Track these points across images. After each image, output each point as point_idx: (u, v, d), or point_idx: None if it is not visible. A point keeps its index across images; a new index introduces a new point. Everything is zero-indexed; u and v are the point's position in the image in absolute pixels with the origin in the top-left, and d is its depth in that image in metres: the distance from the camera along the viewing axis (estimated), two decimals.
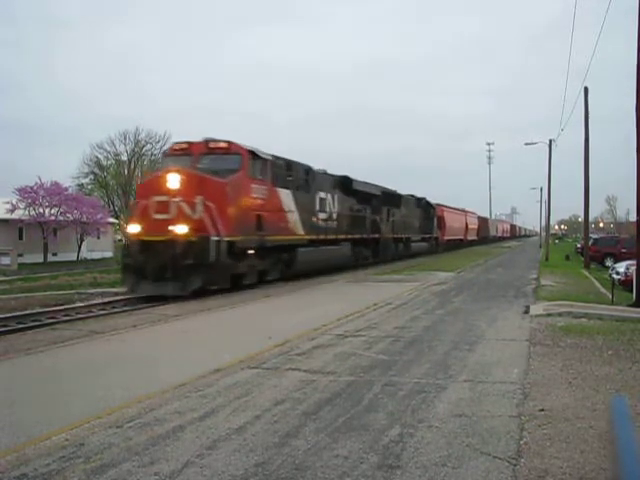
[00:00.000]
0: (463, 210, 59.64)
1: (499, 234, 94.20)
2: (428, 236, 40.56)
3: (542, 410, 5.25)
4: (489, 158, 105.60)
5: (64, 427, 4.77)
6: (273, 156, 17.94)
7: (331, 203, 22.59)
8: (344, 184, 24.41)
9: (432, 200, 44.66)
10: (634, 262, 14.24)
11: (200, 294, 14.36)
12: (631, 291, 14.40)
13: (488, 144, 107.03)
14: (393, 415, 5.10)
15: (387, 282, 19.35)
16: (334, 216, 22.82)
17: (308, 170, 20.72)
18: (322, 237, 21.28)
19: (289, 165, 19.26)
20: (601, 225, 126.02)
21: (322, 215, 21.62)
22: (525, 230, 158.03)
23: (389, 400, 5.57)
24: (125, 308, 13.22)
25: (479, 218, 70.79)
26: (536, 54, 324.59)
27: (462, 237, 56.66)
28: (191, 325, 10.50)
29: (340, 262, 23.35)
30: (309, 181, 20.60)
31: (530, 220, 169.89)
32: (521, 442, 4.45)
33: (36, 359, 7.59)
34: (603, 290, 16.90)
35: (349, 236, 24.16)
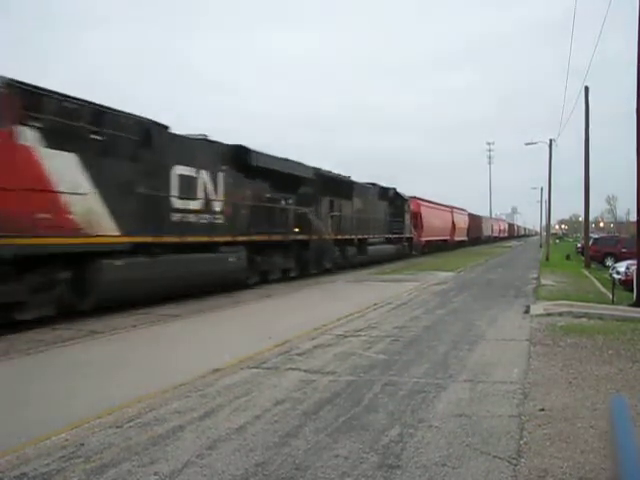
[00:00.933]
0: (449, 206, 51.62)
1: (495, 234, 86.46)
2: (397, 236, 32.10)
3: (542, 410, 5.24)
4: (489, 158, 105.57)
5: (64, 427, 4.77)
6: (17, 83, 9.45)
7: (210, 186, 14.33)
8: (240, 159, 15.96)
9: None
10: (634, 262, 14.23)
11: (199, 294, 14.31)
12: (631, 291, 14.38)
13: (488, 144, 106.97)
14: (393, 415, 5.10)
15: (387, 282, 19.35)
16: (217, 206, 14.67)
17: (149, 128, 12.43)
18: (176, 239, 12.99)
19: (92, 112, 10.90)
20: (601, 225, 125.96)
21: (184, 204, 13.42)
22: (525, 230, 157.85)
23: (389, 400, 5.56)
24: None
25: (470, 216, 62.26)
26: (538, 53, 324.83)
27: (447, 237, 48.65)
28: (191, 325, 10.50)
29: (214, 279, 14.67)
30: (152, 146, 12.41)
31: (530, 220, 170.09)
32: (521, 442, 4.45)
33: (36, 359, 7.58)
34: (603, 290, 16.89)
35: (244, 237, 15.71)
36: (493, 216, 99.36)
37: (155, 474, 3.84)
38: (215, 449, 4.29)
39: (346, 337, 8.97)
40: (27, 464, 4.03)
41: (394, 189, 32.55)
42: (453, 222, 51.29)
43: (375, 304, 12.96)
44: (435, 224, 43.39)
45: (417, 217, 37.95)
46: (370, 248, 27.03)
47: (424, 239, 39.54)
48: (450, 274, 22.47)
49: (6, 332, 9.09)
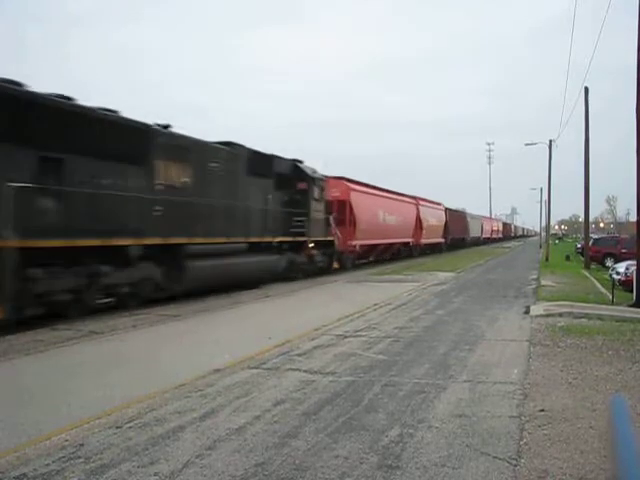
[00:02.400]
0: (413, 197, 37.85)
1: (485, 235, 72.59)
2: (292, 240, 18.93)
3: (542, 410, 5.25)
4: (489, 158, 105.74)
5: (64, 427, 4.77)
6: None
7: None
8: None
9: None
10: (634, 262, 14.23)
11: (200, 294, 14.32)
12: (631, 291, 14.38)
13: (488, 144, 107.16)
14: (393, 415, 5.10)
15: (387, 282, 19.35)
16: None
17: None
18: None
19: None
20: (601, 225, 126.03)
21: None
22: (524, 230, 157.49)
23: (389, 400, 5.56)
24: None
25: (449, 212, 48.26)
26: (539, 53, 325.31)
27: (409, 239, 34.76)
28: (191, 325, 10.50)
29: None
30: None
31: (530, 220, 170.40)
32: (521, 442, 4.45)
33: (36, 359, 7.58)
34: (603, 290, 16.89)
35: None
36: (493, 216, 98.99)
37: (155, 474, 3.84)
38: (215, 449, 4.29)
39: (346, 337, 8.97)
40: (27, 464, 4.03)
41: (292, 161, 19.76)
42: (419, 218, 37.29)
43: (375, 304, 12.96)
44: (382, 220, 28.87)
45: (345, 209, 24.22)
46: (200, 265, 13.60)
47: (358, 243, 25.33)
48: (450, 274, 22.47)
49: (6, 332, 9.08)
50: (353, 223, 24.71)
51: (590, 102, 29.51)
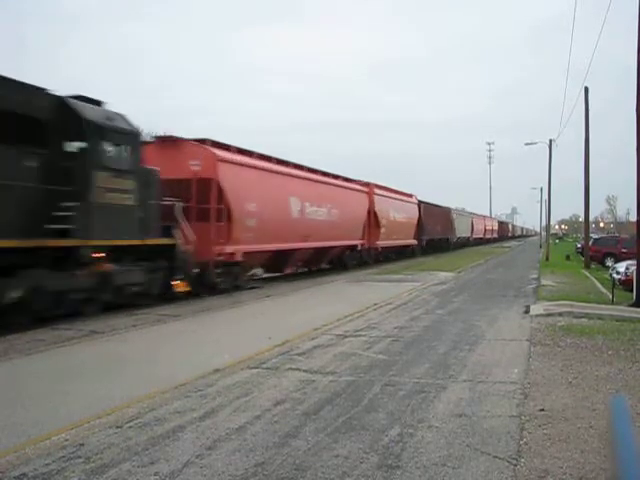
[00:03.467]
0: (365, 183, 27.21)
1: (477, 235, 63.43)
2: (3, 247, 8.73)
3: (542, 410, 5.25)
4: (489, 158, 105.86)
5: (64, 427, 4.77)
6: None
7: None
8: None
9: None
10: (634, 262, 14.23)
11: (199, 294, 14.33)
12: (631, 291, 14.38)
13: (488, 144, 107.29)
14: (393, 415, 5.10)
15: (387, 282, 19.34)
16: None
17: None
18: None
19: None
20: (601, 225, 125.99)
21: None
22: (523, 230, 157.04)
23: (389, 400, 5.56)
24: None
25: (424, 206, 37.93)
26: (540, 53, 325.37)
27: (357, 242, 25.07)
28: (191, 325, 10.49)
29: None
30: None
31: (531, 220, 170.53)
32: (521, 442, 4.45)
33: (36, 359, 7.58)
34: (603, 290, 16.89)
35: None
36: (493, 216, 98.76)
37: (155, 474, 3.84)
38: (215, 449, 4.29)
39: (346, 337, 8.97)
40: (27, 464, 4.03)
41: (57, 98, 10.37)
42: (374, 213, 27.03)
43: (375, 304, 12.95)
44: (297, 214, 19.17)
45: (210, 194, 14.61)
46: None
47: (240, 249, 15.42)
48: (450, 274, 22.46)
49: (6, 332, 9.08)
50: (227, 216, 14.89)
51: (590, 102, 29.56)
